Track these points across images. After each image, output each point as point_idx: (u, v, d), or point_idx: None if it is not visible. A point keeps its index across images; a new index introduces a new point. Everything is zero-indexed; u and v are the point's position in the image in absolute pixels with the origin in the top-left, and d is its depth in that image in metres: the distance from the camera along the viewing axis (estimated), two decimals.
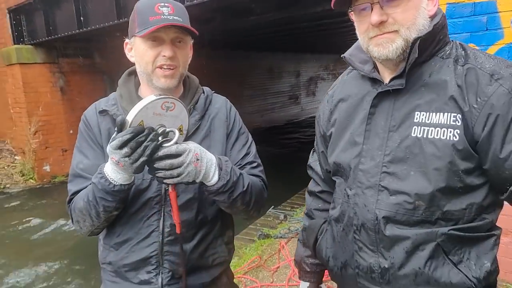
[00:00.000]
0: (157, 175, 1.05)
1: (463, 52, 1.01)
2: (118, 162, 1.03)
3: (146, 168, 1.07)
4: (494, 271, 1.01)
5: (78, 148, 1.29)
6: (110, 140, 1.04)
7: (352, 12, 1.06)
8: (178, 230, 1.15)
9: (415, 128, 0.99)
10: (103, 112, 1.27)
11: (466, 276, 0.98)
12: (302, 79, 16.01)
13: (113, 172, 1.08)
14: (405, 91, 1.01)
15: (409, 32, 0.96)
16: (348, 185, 1.10)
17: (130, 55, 1.26)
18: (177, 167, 1.04)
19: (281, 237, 4.14)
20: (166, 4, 1.16)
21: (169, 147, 1.03)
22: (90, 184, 1.16)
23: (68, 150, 8.29)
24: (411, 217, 0.99)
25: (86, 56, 8.40)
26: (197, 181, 1.10)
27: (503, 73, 0.94)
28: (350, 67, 1.21)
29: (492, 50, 2.68)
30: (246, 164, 1.31)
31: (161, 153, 1.02)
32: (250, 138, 1.36)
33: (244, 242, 4.16)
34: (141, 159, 1.02)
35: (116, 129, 1.04)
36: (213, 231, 1.29)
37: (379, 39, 0.98)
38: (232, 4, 4.86)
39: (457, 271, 0.98)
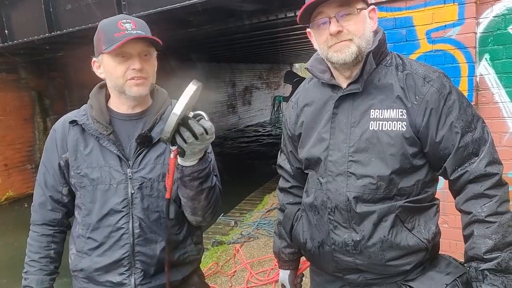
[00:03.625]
0: (181, 134, 1.10)
1: (400, 61, 1.26)
2: None
3: (109, 172, 1.28)
4: (438, 233, 1.27)
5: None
6: None
7: (309, 30, 1.27)
8: (168, 195, 1.21)
9: (372, 123, 1.20)
10: (73, 122, 1.36)
11: (419, 238, 1.20)
12: (238, 89, 16.25)
13: None
14: (360, 94, 1.23)
15: (361, 41, 1.18)
16: (320, 175, 1.28)
17: (99, 72, 1.34)
18: (196, 138, 1.10)
19: (234, 243, 4.24)
20: (128, 21, 1.26)
21: (207, 122, 1.13)
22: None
23: None
24: (375, 195, 1.19)
25: (10, 71, 7.77)
26: (187, 151, 1.14)
27: (432, 77, 1.21)
28: (310, 77, 1.40)
29: (412, 58, 3.08)
30: None
31: (199, 123, 1.11)
32: (210, 148, 1.45)
33: None
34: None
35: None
36: (182, 231, 1.37)
37: (337, 46, 1.18)
38: (170, 17, 4.91)
39: (412, 235, 1.20)
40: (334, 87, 1.28)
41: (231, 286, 3.37)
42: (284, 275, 1.54)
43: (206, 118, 1.14)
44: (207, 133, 1.12)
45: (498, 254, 1.13)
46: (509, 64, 2.71)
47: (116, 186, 1.29)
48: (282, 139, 1.50)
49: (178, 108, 1.06)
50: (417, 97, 1.18)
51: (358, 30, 1.17)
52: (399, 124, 1.18)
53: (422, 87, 1.19)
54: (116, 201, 1.29)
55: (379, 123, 1.19)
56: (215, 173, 1.40)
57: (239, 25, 6.34)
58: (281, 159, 1.51)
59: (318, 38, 1.23)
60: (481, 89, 2.80)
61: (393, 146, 1.18)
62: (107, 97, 1.39)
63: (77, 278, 1.37)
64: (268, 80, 18.66)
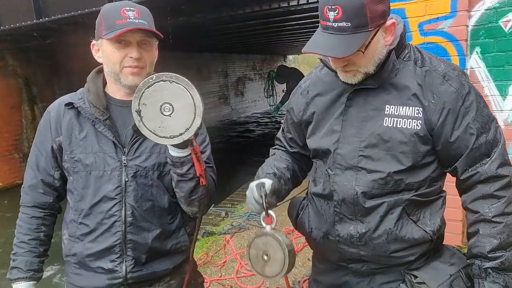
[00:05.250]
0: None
1: (419, 55, 1.23)
2: None
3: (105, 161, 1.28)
4: (443, 225, 1.28)
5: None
6: None
7: None
8: (204, 181, 1.22)
9: (386, 119, 1.19)
10: (68, 105, 1.34)
11: (424, 230, 1.22)
12: (230, 80, 16.15)
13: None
14: (376, 88, 1.20)
15: (367, 69, 1.16)
16: (328, 167, 1.27)
17: (98, 56, 1.33)
18: None
19: (225, 233, 4.24)
20: (131, 8, 1.23)
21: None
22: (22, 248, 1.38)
23: None
24: (383, 190, 1.19)
25: None
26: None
27: (451, 75, 1.18)
28: (321, 64, 1.36)
29: None
30: None
31: None
32: (208, 139, 1.45)
33: None
34: None
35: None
36: (175, 221, 1.37)
37: (343, 73, 1.18)
38: (161, 5, 4.84)
39: (418, 228, 1.21)
40: None
41: (220, 276, 3.37)
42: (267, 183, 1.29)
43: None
44: None
45: (502, 254, 1.14)
46: (499, 57, 2.72)
47: (110, 173, 1.29)
48: (284, 121, 1.48)
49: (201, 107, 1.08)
50: (434, 96, 1.16)
51: (364, 63, 1.14)
52: (415, 122, 1.16)
53: (440, 85, 1.16)
54: (109, 188, 1.29)
55: (393, 120, 1.18)
56: (211, 164, 1.40)
57: (232, 14, 6.29)
58: (281, 136, 1.51)
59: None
60: (471, 82, 2.81)
61: (405, 144, 1.17)
62: (105, 82, 1.38)
63: (69, 264, 1.37)
64: (261, 70, 18.56)
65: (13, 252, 1.39)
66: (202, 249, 3.92)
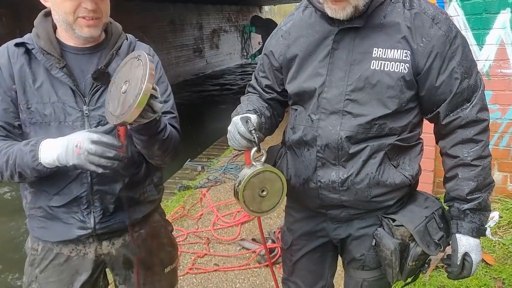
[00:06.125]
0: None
1: None
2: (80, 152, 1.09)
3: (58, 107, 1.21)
4: (419, 170, 1.32)
5: None
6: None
7: None
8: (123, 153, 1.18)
9: (373, 62, 1.16)
10: (20, 45, 1.21)
11: (404, 175, 1.24)
12: (205, 32, 15.59)
13: (48, 150, 1.12)
14: (364, 30, 1.16)
15: (358, 1, 1.10)
16: (311, 112, 1.24)
17: None
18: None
19: (201, 187, 4.25)
20: None
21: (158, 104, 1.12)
22: (15, 144, 1.18)
23: None
24: (368, 134, 1.19)
25: None
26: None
27: (440, 18, 1.16)
28: (304, 4, 1.30)
29: None
30: (163, 113, 1.33)
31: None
32: (169, 89, 1.39)
33: (165, 196, 4.16)
34: None
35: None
36: (140, 171, 1.34)
37: (333, 5, 1.12)
38: None
39: (399, 173, 1.23)
40: (334, 20, 1.19)
41: (197, 229, 3.40)
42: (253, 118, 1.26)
43: (158, 95, 1.10)
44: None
45: (479, 195, 1.20)
46: (478, 5, 2.67)
47: (72, 124, 1.21)
48: (259, 67, 1.41)
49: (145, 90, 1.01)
50: (423, 39, 1.14)
51: None
52: (402, 66, 1.14)
53: (430, 29, 1.14)
54: None
55: (381, 63, 1.15)
56: (174, 114, 1.35)
57: None
58: (255, 84, 1.44)
59: None
60: None
61: (392, 88, 1.15)
62: (54, 26, 1.25)
63: (33, 218, 1.31)
64: (237, 22, 17.96)
65: (5, 160, 1.17)
66: (179, 202, 3.92)
